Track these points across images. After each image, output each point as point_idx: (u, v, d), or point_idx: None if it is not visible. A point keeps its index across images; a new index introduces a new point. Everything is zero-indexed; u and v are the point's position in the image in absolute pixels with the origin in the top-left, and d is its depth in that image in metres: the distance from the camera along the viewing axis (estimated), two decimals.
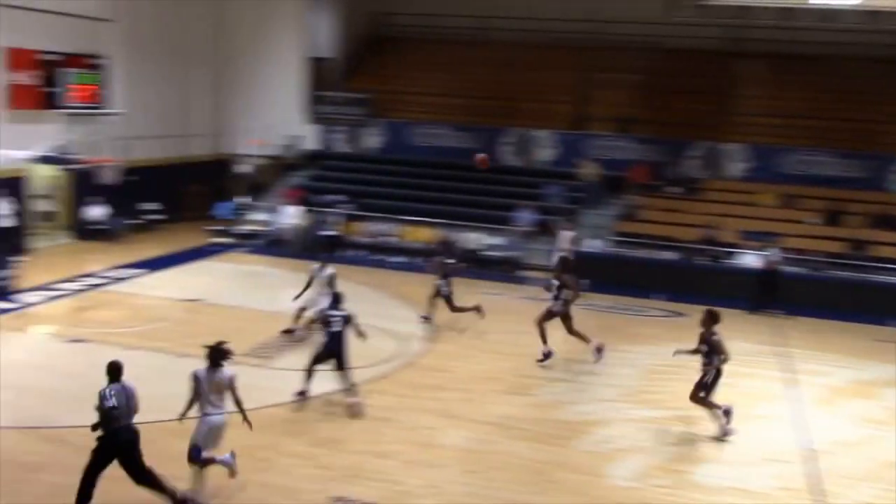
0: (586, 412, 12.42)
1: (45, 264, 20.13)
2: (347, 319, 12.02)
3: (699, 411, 11.86)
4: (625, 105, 26.16)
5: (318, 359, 12.02)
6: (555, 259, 19.92)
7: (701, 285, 19.48)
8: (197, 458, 9.00)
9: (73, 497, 8.89)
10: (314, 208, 23.97)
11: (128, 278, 19.11)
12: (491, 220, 23.10)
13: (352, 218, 23.62)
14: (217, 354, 9.26)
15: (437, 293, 16.47)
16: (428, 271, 17.22)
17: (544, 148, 25.86)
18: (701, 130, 25.02)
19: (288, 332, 15.15)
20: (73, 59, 21.97)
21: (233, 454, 9.26)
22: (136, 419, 8.69)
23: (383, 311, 17.55)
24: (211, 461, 9.11)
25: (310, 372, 12.02)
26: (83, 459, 9.71)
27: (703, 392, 11.65)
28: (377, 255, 22.84)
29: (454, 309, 16.53)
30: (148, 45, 24.90)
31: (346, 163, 27.03)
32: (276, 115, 27.09)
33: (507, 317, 17.74)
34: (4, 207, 19.28)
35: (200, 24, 27.38)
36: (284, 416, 11.55)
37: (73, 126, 16.53)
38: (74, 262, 20.71)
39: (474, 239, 22.25)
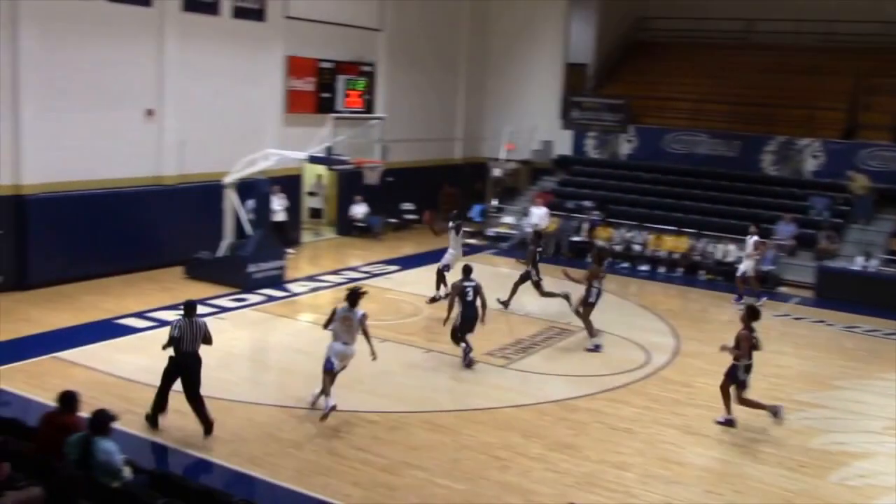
0: (844, 442, 11.52)
1: (311, 257, 21.75)
2: (477, 290, 13.68)
3: None
4: None
5: (463, 330, 13.54)
6: (743, 269, 18.89)
7: None
8: (329, 368, 11.04)
9: (325, 475, 9.56)
10: (562, 213, 24.05)
11: (383, 274, 20.16)
12: (747, 233, 22.03)
13: (600, 224, 23.40)
14: (353, 296, 11.24)
15: (525, 279, 16.87)
16: (523, 259, 17.53)
17: (810, 157, 24.24)
18: None
19: (433, 300, 16.60)
20: (345, 67, 23.58)
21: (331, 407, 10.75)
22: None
23: (628, 320, 17.29)
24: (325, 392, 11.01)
25: (457, 340, 13.58)
26: (337, 441, 10.46)
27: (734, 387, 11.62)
28: (624, 263, 22.51)
29: (543, 293, 16.78)
30: (410, 52, 26.11)
31: (597, 168, 26.86)
32: (529, 120, 27.46)
33: (760, 334, 16.84)
34: (279, 203, 20.98)
35: (459, 32, 28.30)
36: (524, 418, 11.68)
37: (341, 129, 17.67)
38: (338, 256, 22.20)
39: (729, 251, 21.30)
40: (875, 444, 11.48)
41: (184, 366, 10.30)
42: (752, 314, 11.81)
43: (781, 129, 24.70)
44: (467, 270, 13.99)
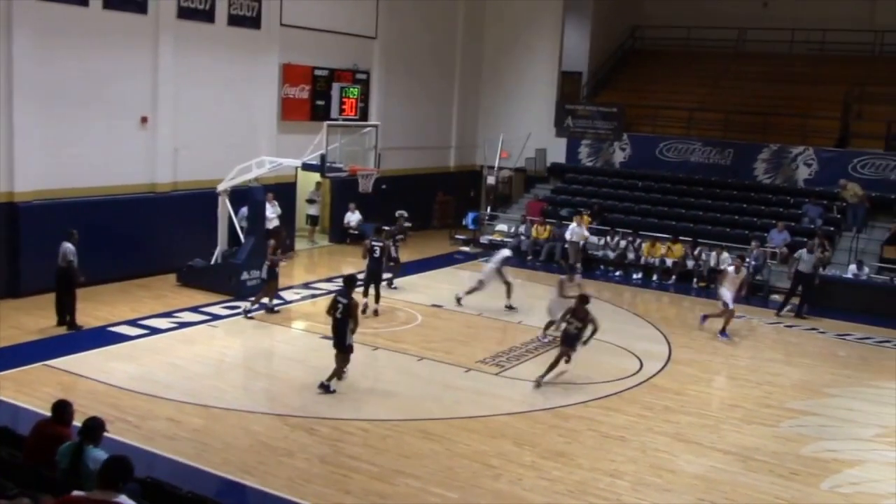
0: (836, 450, 11.54)
1: (305, 265, 21.73)
2: (383, 249, 16.96)
3: None
4: None
5: (367, 282, 16.62)
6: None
7: None
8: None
9: (317, 484, 9.55)
10: (556, 221, 24.07)
11: None
12: (740, 240, 22.12)
13: (593, 233, 23.39)
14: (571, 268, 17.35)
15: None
16: None
17: (803, 165, 24.31)
18: None
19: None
20: (339, 74, 23.60)
21: None
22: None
23: (621, 328, 17.30)
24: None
25: (366, 291, 16.65)
26: (329, 449, 10.46)
27: None
28: (617, 271, 22.56)
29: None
30: (404, 60, 26.14)
31: (591, 176, 26.91)
32: (523, 128, 27.41)
33: (753, 342, 16.91)
34: (272, 211, 20.93)
35: (454, 40, 28.34)
36: (517, 426, 11.68)
37: (335, 136, 17.71)
38: (332, 263, 22.17)
39: (722, 259, 21.33)
40: (866, 452, 11.51)
41: (58, 275, 14.67)
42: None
43: (774, 138, 24.81)
44: (377, 231, 17.90)
